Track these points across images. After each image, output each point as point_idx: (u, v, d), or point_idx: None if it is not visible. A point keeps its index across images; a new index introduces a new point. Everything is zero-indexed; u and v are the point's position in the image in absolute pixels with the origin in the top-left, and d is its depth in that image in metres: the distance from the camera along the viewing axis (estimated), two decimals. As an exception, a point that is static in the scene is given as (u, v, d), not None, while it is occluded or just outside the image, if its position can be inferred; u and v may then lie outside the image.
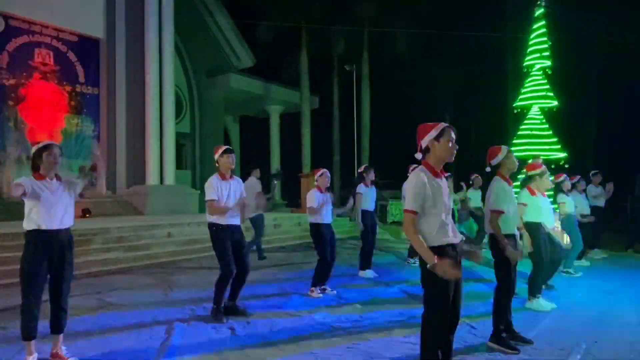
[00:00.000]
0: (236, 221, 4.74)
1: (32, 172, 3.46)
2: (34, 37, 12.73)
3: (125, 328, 4.36)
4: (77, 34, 13.57)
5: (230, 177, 4.78)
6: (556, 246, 5.72)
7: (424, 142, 2.79)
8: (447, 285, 2.69)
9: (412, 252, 8.23)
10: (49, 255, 3.38)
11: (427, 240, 2.72)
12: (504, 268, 3.93)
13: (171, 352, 3.74)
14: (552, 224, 5.80)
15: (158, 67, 13.59)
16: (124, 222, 9.42)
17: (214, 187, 4.64)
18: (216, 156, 4.77)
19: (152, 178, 13.40)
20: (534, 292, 5.09)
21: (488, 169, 4.09)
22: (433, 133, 2.75)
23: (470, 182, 10.03)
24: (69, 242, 3.51)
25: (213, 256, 4.87)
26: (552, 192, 7.22)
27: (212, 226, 4.71)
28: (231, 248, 4.69)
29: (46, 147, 3.44)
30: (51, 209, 3.38)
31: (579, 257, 7.87)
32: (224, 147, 4.81)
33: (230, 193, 4.70)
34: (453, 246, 2.77)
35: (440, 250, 2.71)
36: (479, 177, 9.88)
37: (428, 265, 2.62)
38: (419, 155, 2.85)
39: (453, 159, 2.80)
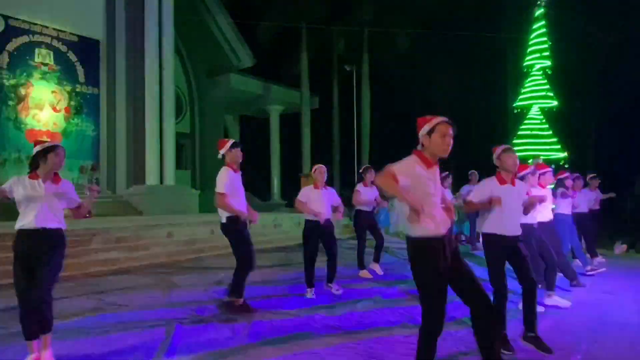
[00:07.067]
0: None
1: (29, 170, 3.45)
2: (34, 37, 12.72)
3: (125, 328, 4.35)
4: (77, 34, 13.57)
5: (239, 169, 4.90)
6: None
7: (419, 135, 2.84)
8: (439, 274, 2.71)
9: None
10: (30, 254, 3.33)
11: (411, 230, 2.76)
12: (494, 270, 3.88)
13: (171, 352, 3.74)
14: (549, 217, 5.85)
15: (158, 67, 13.58)
16: (124, 222, 9.42)
17: (228, 180, 4.69)
18: (223, 150, 4.81)
19: (152, 178, 13.40)
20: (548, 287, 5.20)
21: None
22: (426, 128, 2.80)
23: (469, 179, 10.13)
24: (50, 244, 3.39)
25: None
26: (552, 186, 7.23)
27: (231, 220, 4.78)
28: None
29: (53, 148, 3.43)
30: (33, 209, 3.35)
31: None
32: (232, 141, 4.87)
33: (241, 185, 4.88)
34: (438, 238, 2.75)
35: (425, 242, 2.73)
36: (476, 172, 9.99)
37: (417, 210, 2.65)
38: (420, 147, 2.88)
39: (446, 155, 2.80)
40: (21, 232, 3.37)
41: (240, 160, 4.85)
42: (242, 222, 4.80)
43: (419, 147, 2.87)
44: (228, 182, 4.67)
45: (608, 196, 9.03)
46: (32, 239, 3.35)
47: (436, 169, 2.86)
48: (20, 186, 3.38)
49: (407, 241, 2.85)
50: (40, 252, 3.35)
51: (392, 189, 2.69)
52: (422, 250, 2.74)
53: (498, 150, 4.03)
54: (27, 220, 3.36)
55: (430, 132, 2.77)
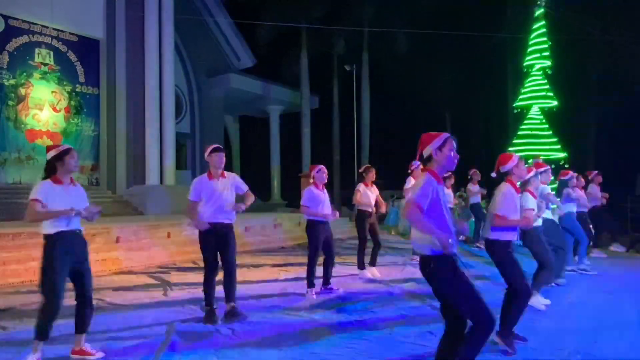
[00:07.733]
0: (224, 219, 4.66)
1: (50, 176, 3.44)
2: (34, 37, 12.73)
3: (125, 328, 4.35)
4: (77, 34, 13.57)
5: (221, 175, 4.71)
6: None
7: (426, 151, 2.88)
8: (467, 279, 2.75)
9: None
10: (71, 256, 3.41)
11: (421, 248, 2.80)
12: (513, 272, 3.86)
13: (171, 352, 3.74)
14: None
15: (158, 67, 13.60)
16: (124, 222, 9.42)
17: (195, 188, 4.67)
18: (205, 155, 4.76)
19: (152, 178, 13.41)
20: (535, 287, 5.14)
21: (494, 175, 4.08)
22: (437, 142, 2.85)
23: (469, 177, 10.13)
24: (85, 245, 3.58)
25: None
26: (554, 185, 7.28)
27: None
28: (216, 246, 4.63)
29: (68, 151, 3.46)
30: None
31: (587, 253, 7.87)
32: (213, 146, 4.78)
33: (218, 192, 4.63)
34: (449, 254, 2.76)
35: (435, 257, 2.74)
36: (477, 171, 10.01)
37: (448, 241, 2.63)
38: (416, 163, 2.97)
39: (454, 167, 2.95)
40: (60, 234, 3.37)
41: (221, 166, 4.67)
42: (209, 229, 4.59)
43: (415, 163, 2.97)
44: (196, 189, 4.65)
45: (603, 196, 9.03)
46: (72, 241, 3.43)
47: (444, 186, 3.02)
48: (53, 192, 3.37)
49: (421, 260, 2.87)
50: (84, 253, 3.53)
51: (423, 227, 2.71)
52: (439, 266, 2.77)
53: (515, 158, 4.02)
54: (62, 222, 3.37)
55: (441, 147, 2.85)
